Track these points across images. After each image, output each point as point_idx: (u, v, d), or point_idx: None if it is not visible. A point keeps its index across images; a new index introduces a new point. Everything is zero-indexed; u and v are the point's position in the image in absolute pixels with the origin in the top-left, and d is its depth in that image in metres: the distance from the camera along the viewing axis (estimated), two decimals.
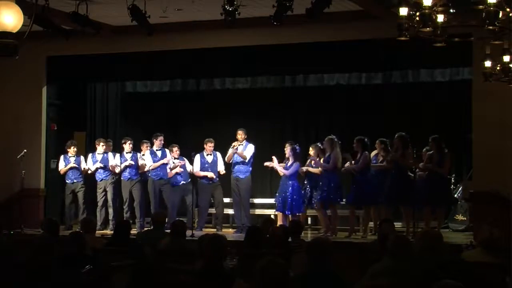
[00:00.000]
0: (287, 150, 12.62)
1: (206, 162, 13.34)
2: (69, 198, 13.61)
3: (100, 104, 15.57)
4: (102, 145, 13.59)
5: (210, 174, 13.26)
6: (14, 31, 5.12)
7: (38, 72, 14.21)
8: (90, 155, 13.75)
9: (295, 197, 12.44)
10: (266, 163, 12.89)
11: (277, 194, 12.76)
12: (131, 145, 13.48)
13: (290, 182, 12.51)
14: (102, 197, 13.50)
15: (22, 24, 5.18)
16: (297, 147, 12.68)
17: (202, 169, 13.28)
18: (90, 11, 10.88)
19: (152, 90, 15.55)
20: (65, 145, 13.76)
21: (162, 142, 13.44)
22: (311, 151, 12.48)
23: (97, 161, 13.55)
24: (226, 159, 13.26)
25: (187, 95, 15.40)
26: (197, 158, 13.22)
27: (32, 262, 5.57)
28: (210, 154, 13.39)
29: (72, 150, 13.63)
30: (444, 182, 11.89)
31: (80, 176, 13.66)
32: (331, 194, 12.10)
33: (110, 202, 13.47)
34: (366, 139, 12.09)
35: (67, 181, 13.66)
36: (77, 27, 11.10)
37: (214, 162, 13.38)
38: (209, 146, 13.37)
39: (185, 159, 13.60)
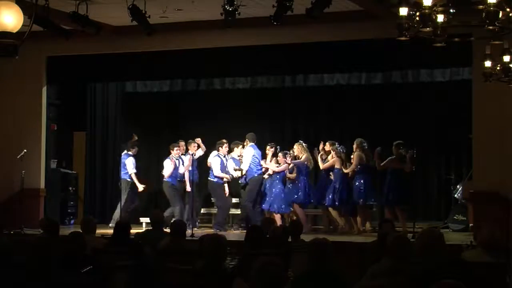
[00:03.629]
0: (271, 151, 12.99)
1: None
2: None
3: (100, 104, 15.57)
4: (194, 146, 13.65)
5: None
6: (14, 31, 5.12)
7: (38, 72, 14.19)
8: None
9: (283, 196, 12.62)
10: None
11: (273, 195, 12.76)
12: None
13: (278, 181, 12.73)
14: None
15: (22, 24, 5.18)
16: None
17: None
18: (90, 11, 10.90)
19: (152, 90, 15.55)
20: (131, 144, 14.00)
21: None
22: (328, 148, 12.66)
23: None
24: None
25: (187, 95, 15.40)
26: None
27: (32, 262, 5.57)
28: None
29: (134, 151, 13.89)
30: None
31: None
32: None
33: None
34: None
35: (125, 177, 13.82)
36: (77, 27, 11.12)
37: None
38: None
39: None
